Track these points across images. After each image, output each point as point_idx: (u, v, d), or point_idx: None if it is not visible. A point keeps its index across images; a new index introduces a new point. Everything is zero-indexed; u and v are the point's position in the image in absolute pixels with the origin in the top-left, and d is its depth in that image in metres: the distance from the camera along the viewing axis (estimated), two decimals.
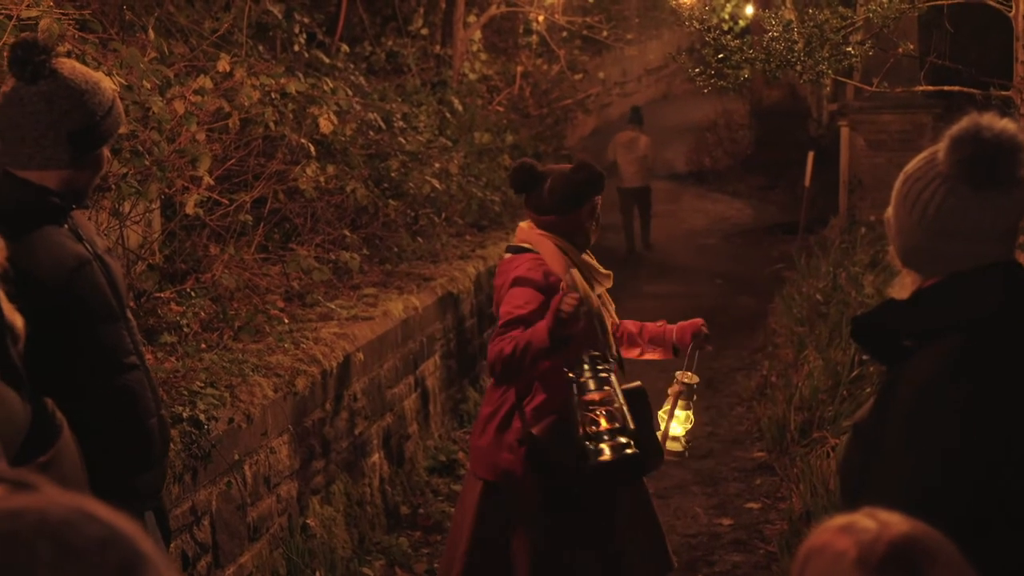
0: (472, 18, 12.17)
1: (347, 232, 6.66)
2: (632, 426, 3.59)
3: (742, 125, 20.60)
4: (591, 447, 3.56)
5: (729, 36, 6.20)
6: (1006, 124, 1.96)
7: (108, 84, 2.84)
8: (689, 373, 3.93)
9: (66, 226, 2.80)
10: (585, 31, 14.25)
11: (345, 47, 9.60)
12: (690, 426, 3.92)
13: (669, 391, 3.92)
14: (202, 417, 3.93)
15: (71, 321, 2.72)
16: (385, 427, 5.93)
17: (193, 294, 5.06)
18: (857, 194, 12.21)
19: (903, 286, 2.09)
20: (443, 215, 8.26)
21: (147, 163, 4.55)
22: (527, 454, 3.79)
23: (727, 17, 7.16)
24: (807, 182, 12.95)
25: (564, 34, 15.45)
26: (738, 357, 9.39)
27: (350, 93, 7.34)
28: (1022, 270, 2.02)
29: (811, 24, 5.82)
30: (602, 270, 3.99)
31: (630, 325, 4.18)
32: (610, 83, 22.63)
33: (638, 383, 3.84)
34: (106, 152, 2.88)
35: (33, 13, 4.18)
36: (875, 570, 1.28)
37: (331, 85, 6.90)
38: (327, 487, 5.12)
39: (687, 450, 3.95)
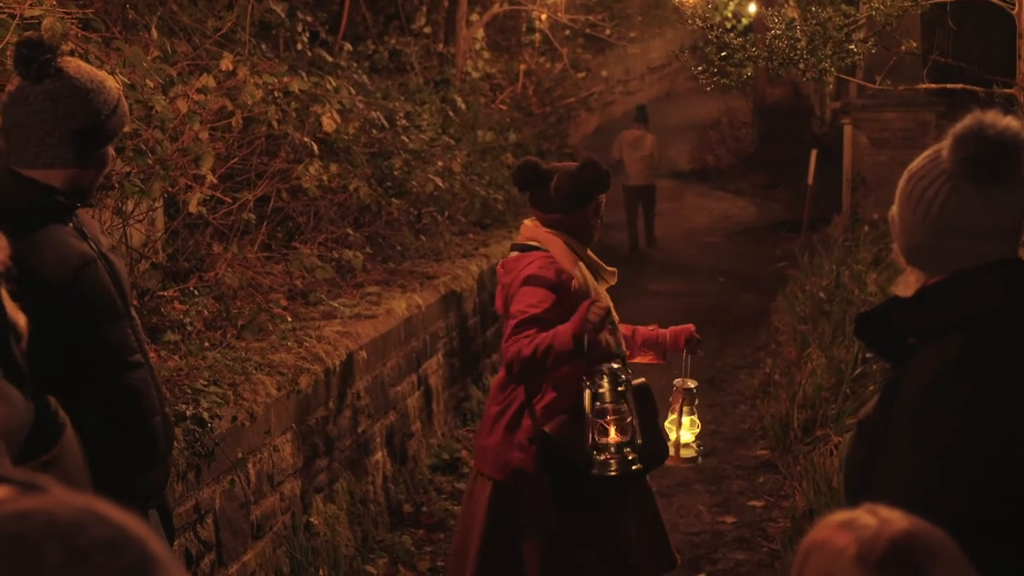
0: (475, 16, 12.17)
1: (350, 230, 6.66)
2: (640, 440, 3.62)
3: (745, 123, 20.59)
4: (599, 458, 3.59)
5: (732, 34, 6.19)
6: (1010, 122, 1.96)
7: (113, 83, 2.85)
8: (687, 379, 3.92)
9: (71, 224, 2.80)
10: (588, 29, 14.23)
11: (348, 46, 9.60)
12: (698, 430, 3.92)
13: (671, 400, 3.90)
14: (205, 415, 3.94)
15: (76, 319, 2.72)
16: (388, 425, 5.93)
17: (196, 292, 5.06)
18: (860, 192, 12.20)
19: (907, 284, 2.09)
20: (446, 213, 8.25)
21: (150, 162, 4.56)
22: (539, 453, 3.79)
23: (730, 15, 7.17)
24: (810, 180, 12.94)
25: (567, 32, 15.45)
26: (741, 355, 9.39)
27: (353, 92, 7.34)
28: None
29: (814, 22, 5.82)
30: (607, 267, 3.99)
31: (623, 328, 4.18)
32: (613, 81, 22.61)
33: (642, 380, 3.84)
34: (111, 151, 2.88)
35: (36, 12, 4.18)
36: (875, 567, 1.28)
37: (334, 84, 6.90)
38: (330, 485, 5.13)
39: (700, 455, 3.94)
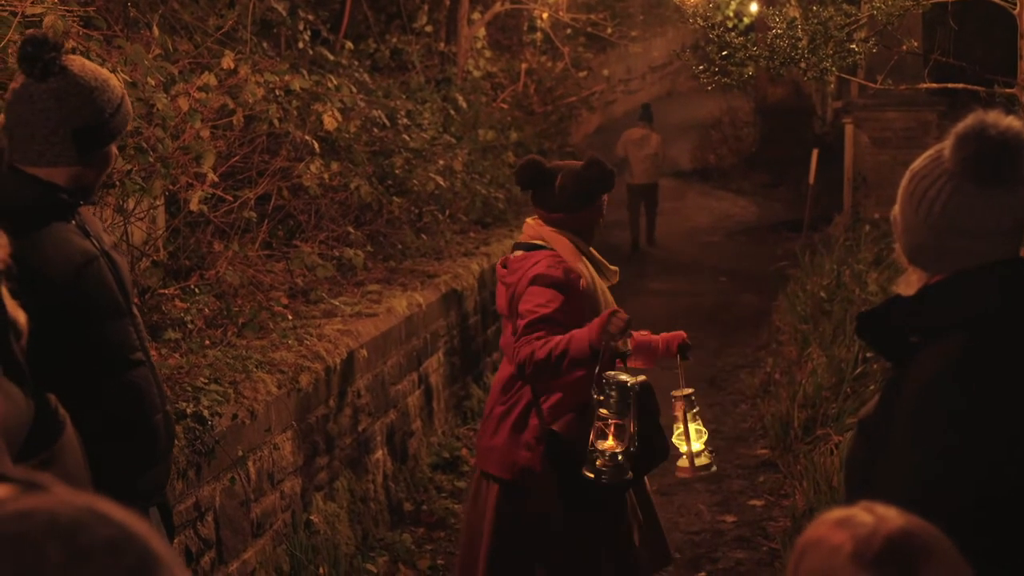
0: (476, 15, 12.17)
1: (351, 229, 6.66)
2: (635, 447, 3.60)
3: (746, 122, 20.59)
4: (594, 464, 3.58)
5: (733, 33, 6.20)
6: (1011, 121, 1.96)
7: (117, 82, 2.85)
8: (684, 388, 3.88)
9: (74, 222, 2.80)
10: (589, 28, 14.25)
11: (349, 44, 9.60)
12: (705, 437, 3.88)
13: (674, 412, 3.85)
14: (206, 413, 3.94)
15: (78, 317, 2.72)
16: (389, 424, 5.93)
17: (197, 291, 5.06)
18: (861, 191, 12.20)
19: (909, 283, 2.09)
20: (447, 212, 8.26)
21: (151, 160, 4.56)
22: (547, 452, 3.78)
23: (731, 14, 7.16)
24: (811, 179, 12.94)
25: (568, 31, 15.45)
26: (742, 354, 9.39)
27: (354, 90, 7.33)
28: None
29: (815, 21, 5.82)
30: (609, 266, 3.99)
31: None
32: (614, 80, 22.60)
33: (643, 377, 3.83)
34: (114, 149, 2.89)
35: (37, 10, 4.18)
36: (870, 564, 1.28)
37: (335, 82, 6.90)
38: (331, 483, 5.13)
39: (714, 463, 3.89)
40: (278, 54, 7.66)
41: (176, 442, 3.52)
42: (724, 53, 6.09)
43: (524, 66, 14.33)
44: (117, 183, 4.48)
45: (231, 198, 5.49)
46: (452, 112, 9.87)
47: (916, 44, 6.39)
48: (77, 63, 2.77)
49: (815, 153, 12.98)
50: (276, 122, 5.76)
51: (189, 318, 4.80)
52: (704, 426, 3.88)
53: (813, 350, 7.56)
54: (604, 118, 22.10)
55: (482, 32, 12.49)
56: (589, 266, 3.86)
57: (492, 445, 3.91)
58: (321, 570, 4.71)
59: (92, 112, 2.74)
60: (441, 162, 8.05)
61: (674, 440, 3.83)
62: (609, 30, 14.37)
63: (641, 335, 4.10)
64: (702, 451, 3.81)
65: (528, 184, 3.94)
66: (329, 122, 6.15)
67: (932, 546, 1.30)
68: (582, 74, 16.02)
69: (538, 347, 3.61)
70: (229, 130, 5.46)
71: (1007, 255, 2.01)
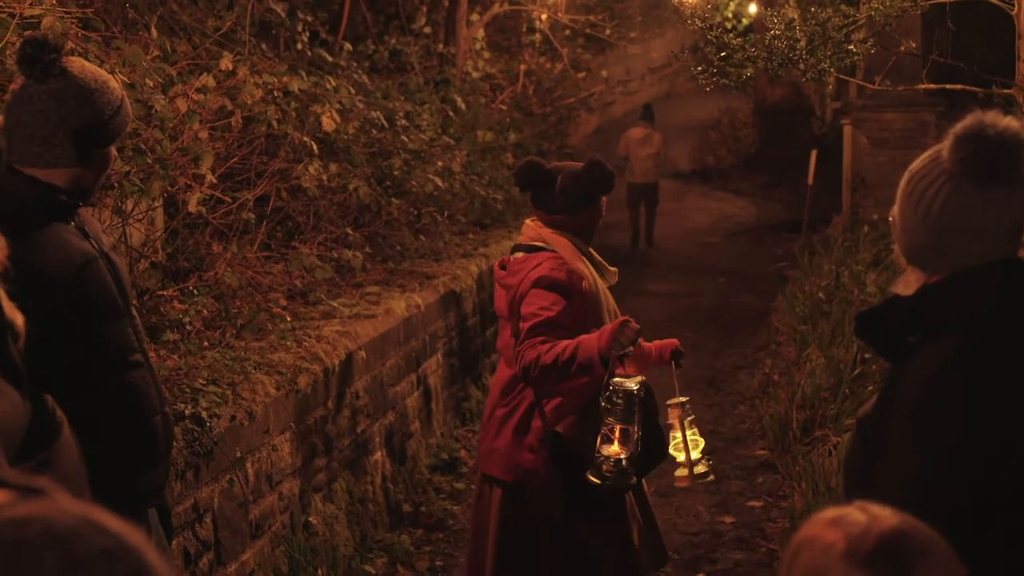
0: (475, 16, 12.17)
1: (350, 230, 6.66)
2: (639, 450, 3.60)
3: (746, 123, 20.61)
4: (600, 469, 3.58)
5: (732, 34, 6.20)
6: (1010, 122, 1.96)
7: (116, 83, 2.85)
8: (679, 396, 3.86)
9: (73, 224, 2.80)
10: (588, 29, 14.25)
11: (348, 45, 9.60)
12: (702, 445, 3.87)
13: (670, 421, 3.84)
14: (204, 415, 3.93)
15: (77, 318, 2.72)
16: (387, 425, 5.93)
17: (196, 292, 5.06)
18: (860, 192, 12.21)
19: (908, 283, 2.09)
20: (446, 213, 8.26)
21: (150, 161, 4.55)
22: (551, 453, 3.78)
23: (730, 15, 7.17)
24: (810, 180, 12.95)
25: (567, 32, 15.46)
26: (741, 355, 9.39)
27: (353, 91, 7.34)
28: None
29: (813, 22, 5.82)
30: (609, 267, 3.99)
31: None
32: (613, 81, 22.63)
33: (641, 378, 3.83)
34: (113, 151, 2.89)
35: (36, 11, 4.18)
36: (863, 563, 1.28)
37: (334, 83, 6.90)
38: (329, 485, 5.12)
39: (711, 471, 3.88)
40: (277, 55, 7.66)
41: (175, 443, 3.52)
42: (722, 54, 6.09)
43: (523, 67, 14.34)
44: (116, 184, 4.48)
45: (230, 199, 5.48)
46: (451, 113, 9.88)
47: (915, 45, 6.40)
48: (77, 65, 2.77)
49: (814, 154, 12.99)
50: (275, 123, 5.76)
51: (188, 319, 4.80)
52: (700, 434, 3.86)
53: (812, 351, 7.56)
54: (603, 119, 22.11)
55: (481, 33, 12.49)
56: (590, 267, 3.86)
57: (494, 447, 3.90)
58: (320, 572, 4.71)
59: (91, 114, 2.74)
60: (440, 163, 8.05)
61: (671, 450, 3.81)
62: (608, 31, 14.37)
63: None
64: (700, 459, 3.79)
65: (527, 185, 3.93)
66: (328, 123, 6.15)
67: (926, 546, 1.30)
68: (581, 75, 16.04)
69: (543, 351, 3.60)
70: (228, 131, 5.45)
71: (1006, 255, 2.01)
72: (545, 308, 3.67)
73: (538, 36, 14.97)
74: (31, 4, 4.20)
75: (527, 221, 3.99)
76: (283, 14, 8.26)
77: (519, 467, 3.83)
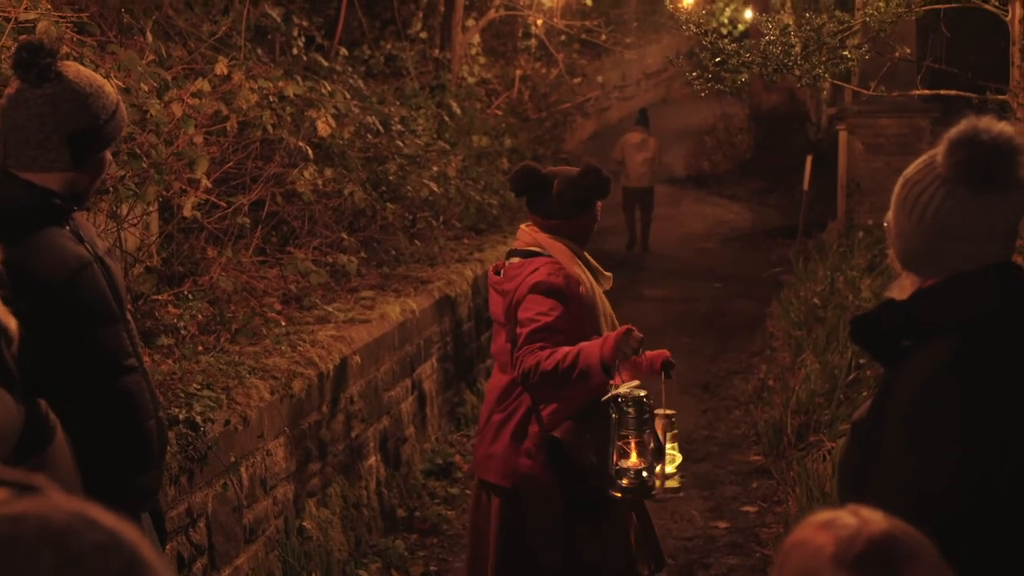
0: (471, 22, 12.18)
1: (345, 235, 6.65)
2: (656, 458, 3.61)
3: (741, 129, 20.64)
4: (619, 483, 3.60)
5: (727, 40, 6.21)
6: (1003, 127, 1.97)
7: (112, 88, 2.85)
8: (665, 409, 3.84)
9: (68, 228, 2.80)
10: (584, 35, 14.26)
11: (344, 50, 9.61)
12: (679, 461, 3.85)
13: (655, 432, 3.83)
14: (198, 419, 3.93)
15: (72, 322, 2.71)
16: (382, 430, 5.93)
17: (190, 297, 5.06)
18: (855, 198, 12.23)
19: (902, 288, 2.10)
20: (441, 218, 8.26)
21: (145, 166, 4.55)
22: (548, 458, 3.78)
23: (726, 21, 7.18)
24: (805, 186, 12.97)
25: (563, 38, 15.47)
26: (736, 360, 9.40)
27: (348, 96, 7.34)
28: (1020, 272, 2.03)
29: (808, 28, 5.83)
30: (603, 272, 3.99)
31: None
32: (609, 87, 22.65)
33: (636, 382, 3.82)
34: (108, 155, 2.89)
35: (31, 16, 4.18)
36: (851, 566, 1.29)
37: (329, 88, 6.90)
38: (323, 490, 5.12)
39: (683, 487, 3.86)
40: (272, 60, 7.66)
41: (168, 448, 3.51)
42: (718, 60, 6.10)
43: (518, 72, 14.35)
44: (111, 189, 4.47)
45: (225, 204, 5.48)
46: (446, 118, 9.88)
47: (909, 51, 6.41)
48: (72, 69, 2.77)
49: (809, 159, 13.01)
50: (270, 128, 5.76)
51: (182, 324, 4.80)
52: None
53: (807, 356, 7.57)
54: (599, 124, 22.13)
55: (476, 38, 12.50)
56: (586, 272, 3.86)
57: (491, 453, 3.89)
58: None
59: (87, 118, 2.74)
60: (435, 168, 8.05)
61: None
62: (603, 37, 14.38)
63: None
64: (674, 474, 3.77)
65: (523, 190, 3.93)
66: (323, 128, 6.15)
67: (915, 550, 1.30)
68: (576, 80, 16.04)
69: (543, 357, 3.59)
70: (223, 136, 5.45)
71: (1000, 259, 2.01)
72: (543, 313, 3.67)
73: (534, 41, 14.98)
74: (26, 8, 4.20)
75: (523, 226, 3.99)
76: (279, 19, 8.26)
77: (516, 472, 3.83)
